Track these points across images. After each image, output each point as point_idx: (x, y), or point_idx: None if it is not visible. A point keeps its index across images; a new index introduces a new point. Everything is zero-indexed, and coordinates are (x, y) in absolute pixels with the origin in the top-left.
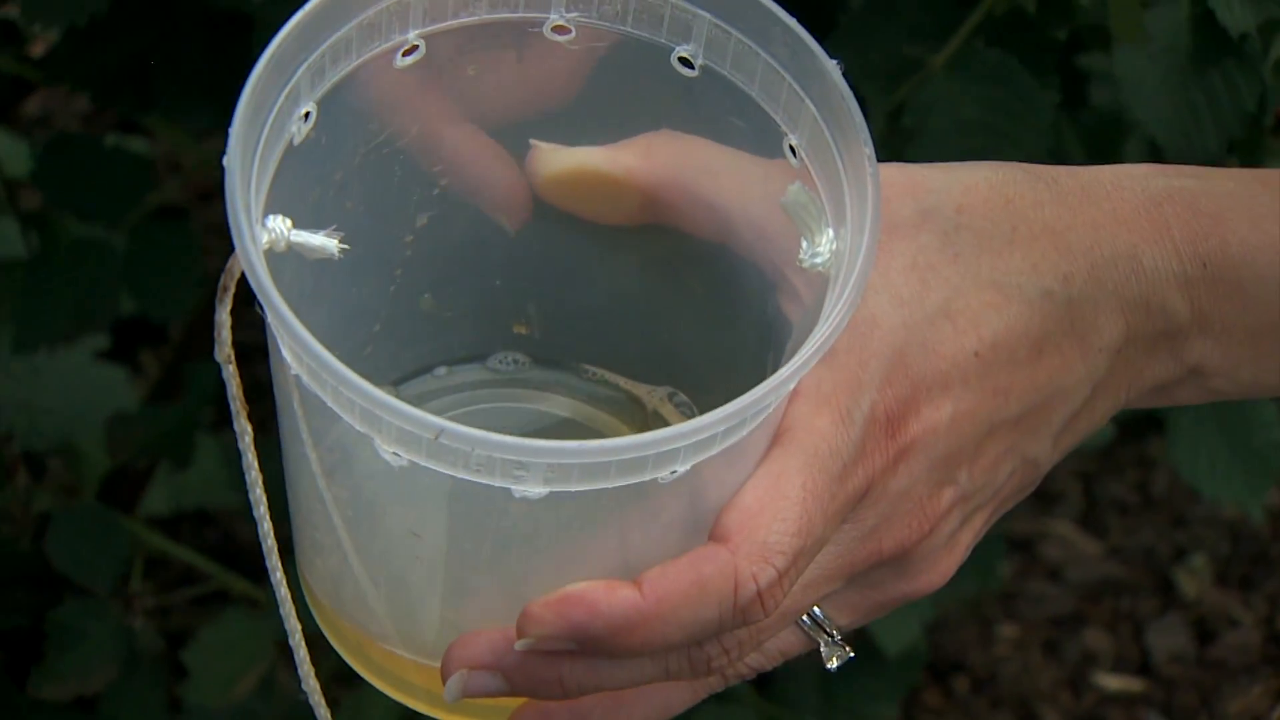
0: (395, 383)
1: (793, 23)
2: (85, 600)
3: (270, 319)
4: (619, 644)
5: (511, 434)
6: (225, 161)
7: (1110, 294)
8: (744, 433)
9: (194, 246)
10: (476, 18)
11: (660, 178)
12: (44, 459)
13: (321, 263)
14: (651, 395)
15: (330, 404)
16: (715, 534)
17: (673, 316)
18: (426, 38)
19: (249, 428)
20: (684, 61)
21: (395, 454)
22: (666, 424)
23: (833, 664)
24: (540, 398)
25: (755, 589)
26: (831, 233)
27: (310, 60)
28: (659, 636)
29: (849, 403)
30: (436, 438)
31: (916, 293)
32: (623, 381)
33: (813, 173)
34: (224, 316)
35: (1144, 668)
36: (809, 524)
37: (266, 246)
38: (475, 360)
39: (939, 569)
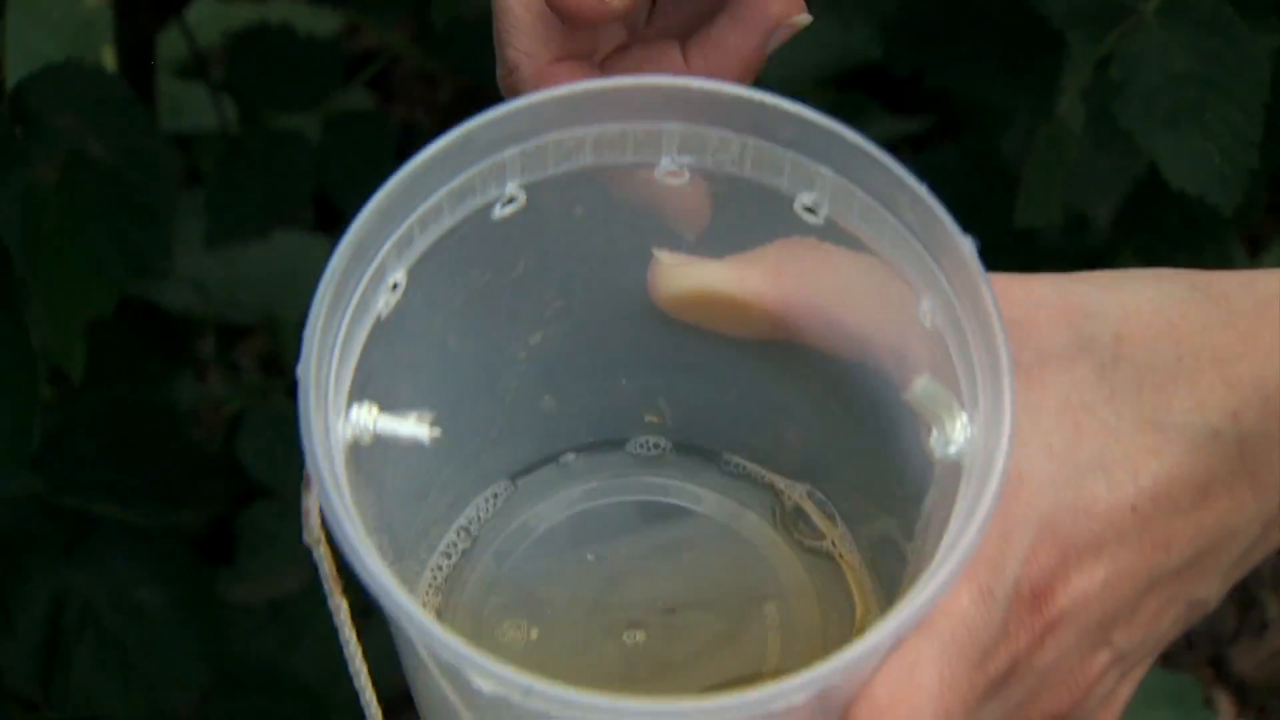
0: (519, 474)
1: (922, 190)
2: (276, 503)
3: (348, 556)
4: None
5: (646, 538)
6: (299, 369)
7: None
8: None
9: (387, 137)
10: (579, 164)
11: (791, 301)
12: (243, 334)
13: (431, 383)
14: (791, 490)
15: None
16: None
17: (810, 423)
18: (527, 188)
19: (344, 603)
20: (808, 210)
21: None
22: (808, 521)
23: None
24: (680, 490)
25: None
26: (965, 418)
27: (397, 235)
28: None
29: (991, 580)
30: (525, 696)
31: (1069, 441)
32: (764, 474)
33: (947, 341)
34: (311, 504)
35: None
36: (946, 717)
37: (350, 442)
38: (612, 446)
39: None
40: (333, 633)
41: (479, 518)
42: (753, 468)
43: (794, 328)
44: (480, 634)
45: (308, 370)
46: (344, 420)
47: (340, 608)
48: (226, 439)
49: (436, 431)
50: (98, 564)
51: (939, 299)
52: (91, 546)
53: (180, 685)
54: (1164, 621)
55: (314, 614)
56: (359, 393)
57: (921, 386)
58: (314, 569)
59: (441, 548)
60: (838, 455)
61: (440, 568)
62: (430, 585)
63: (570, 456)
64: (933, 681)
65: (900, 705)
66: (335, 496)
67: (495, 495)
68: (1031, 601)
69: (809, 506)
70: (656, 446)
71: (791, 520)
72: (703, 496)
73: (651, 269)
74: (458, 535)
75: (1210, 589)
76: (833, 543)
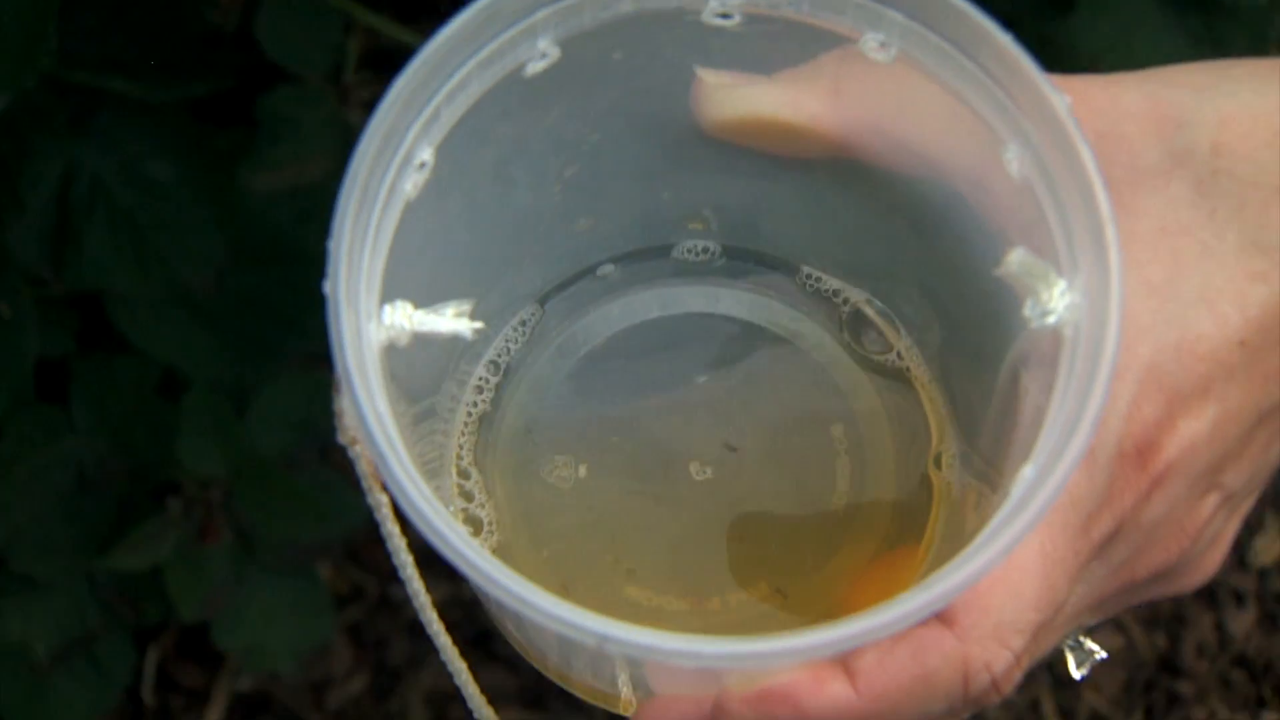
0: (559, 288)
1: (1008, 41)
2: (298, 87)
3: (385, 481)
4: None
5: (697, 356)
6: (327, 279)
7: None
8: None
9: None
10: (617, 12)
11: (853, 123)
12: None
13: (464, 245)
14: (850, 294)
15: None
16: (940, 612)
17: (870, 236)
18: (562, 43)
19: (385, 499)
20: (878, 49)
21: None
22: (871, 329)
23: (1082, 671)
24: (730, 299)
25: (989, 678)
26: (1064, 284)
27: (424, 116)
28: None
29: (1092, 441)
30: (601, 645)
31: (1168, 273)
32: (820, 275)
33: (1038, 194)
34: (343, 405)
35: None
36: (1050, 592)
37: (385, 343)
38: (656, 254)
39: (1202, 569)
40: None
41: (509, 348)
42: (809, 270)
43: (856, 150)
44: (523, 476)
45: (336, 276)
46: (377, 322)
47: (382, 503)
48: (244, 17)
49: (479, 324)
50: (106, 138)
51: (1026, 147)
52: (100, 120)
53: (194, 260)
54: (1273, 452)
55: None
56: (391, 285)
57: (1017, 260)
58: (339, 157)
59: (473, 382)
60: (902, 267)
61: (475, 404)
62: (465, 425)
63: (608, 268)
64: (1033, 556)
65: (999, 586)
66: (370, 414)
67: (524, 322)
68: (1136, 459)
69: (870, 313)
70: (705, 251)
71: (853, 330)
72: (755, 305)
73: (695, 90)
74: (487, 370)
75: None
76: (899, 354)
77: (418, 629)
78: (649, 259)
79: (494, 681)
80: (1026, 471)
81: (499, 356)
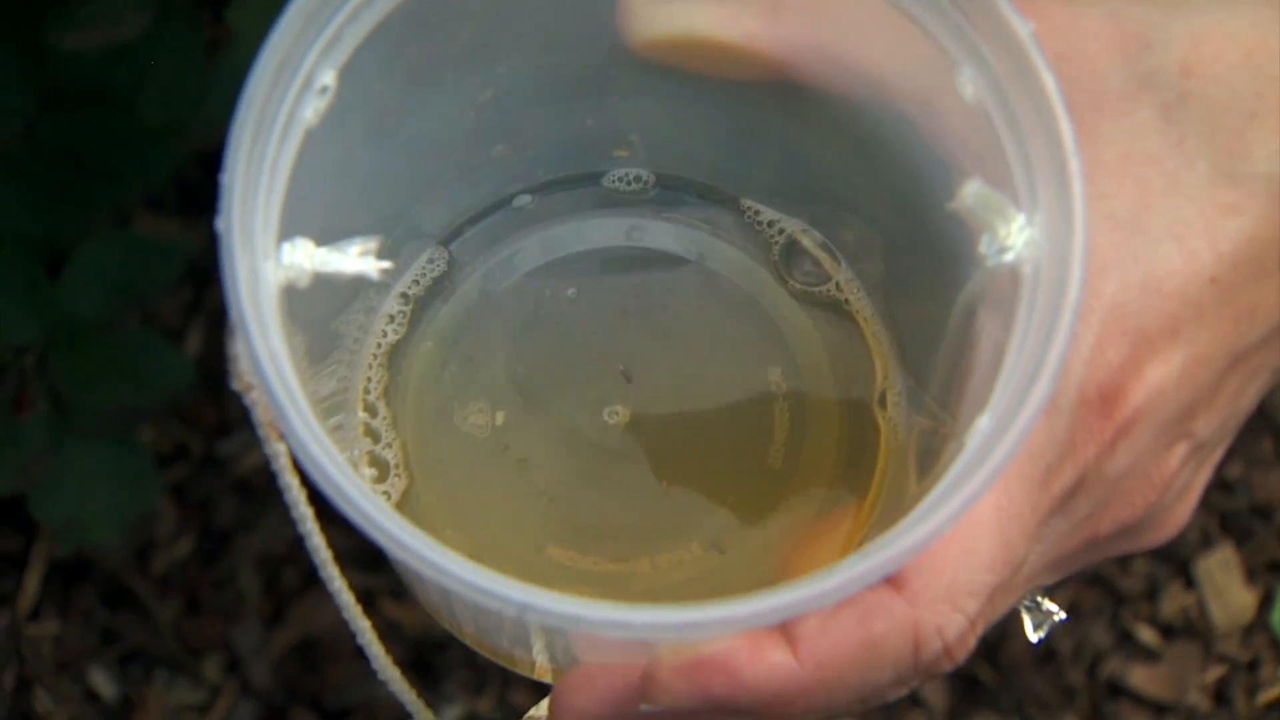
0: (473, 219)
1: None
2: None
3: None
4: (770, 713)
5: (621, 293)
6: (220, 218)
7: None
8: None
9: None
10: None
11: (793, 43)
12: None
13: (369, 175)
14: (785, 224)
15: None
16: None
17: (808, 161)
18: None
19: (283, 448)
20: None
21: None
22: (807, 259)
23: (1040, 634)
24: (656, 231)
25: (941, 645)
26: (1023, 219)
27: (322, 40)
28: (820, 702)
29: None
30: (521, 614)
31: (1134, 204)
32: (754, 206)
33: (994, 121)
34: (238, 349)
35: None
36: (1006, 551)
37: (283, 284)
38: (580, 182)
39: (1170, 523)
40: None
41: (420, 280)
42: (747, 202)
43: (796, 71)
44: (436, 421)
45: (230, 213)
46: (275, 261)
47: (279, 453)
48: None
49: (386, 263)
50: None
51: (982, 73)
52: None
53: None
54: (1247, 396)
55: (158, 59)
56: (291, 220)
57: (973, 193)
58: (157, 10)
59: (383, 311)
60: (844, 194)
61: (385, 335)
62: (374, 358)
63: (525, 199)
64: (988, 513)
65: (952, 546)
66: (266, 360)
67: (435, 257)
68: (1100, 406)
69: (807, 243)
70: (638, 179)
71: (788, 261)
72: (682, 237)
73: (621, 6)
74: (398, 301)
75: None
76: (837, 285)
77: (246, 489)
78: (573, 188)
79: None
80: (982, 423)
81: (409, 289)
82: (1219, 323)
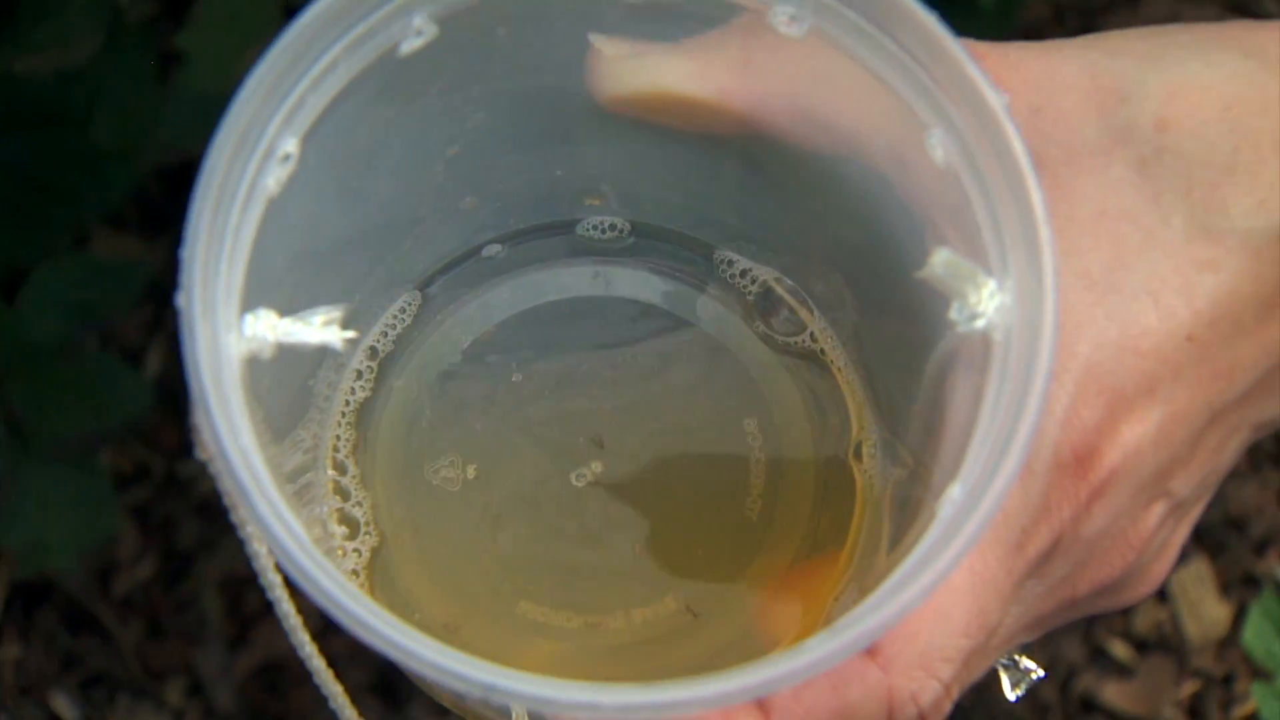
0: (442, 270)
1: (931, 19)
2: None
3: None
4: None
5: (593, 344)
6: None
7: None
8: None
9: None
10: None
11: (764, 99)
12: None
13: (335, 238)
14: (759, 272)
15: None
16: None
17: (782, 217)
18: (438, 19)
19: (277, 581)
20: (789, 23)
21: None
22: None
23: (1018, 692)
24: (629, 280)
25: (915, 711)
26: (994, 284)
27: (286, 107)
28: None
29: None
30: (487, 695)
31: (1109, 261)
32: (729, 255)
33: (965, 185)
34: (200, 420)
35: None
36: (981, 616)
37: (245, 357)
38: (559, 229)
39: (1148, 581)
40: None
41: (389, 333)
42: (717, 251)
43: (768, 126)
44: (406, 476)
45: (191, 286)
46: (237, 334)
47: (252, 538)
48: None
49: (350, 333)
50: None
51: (952, 136)
52: None
53: None
54: (1226, 453)
55: (109, 83)
56: (254, 290)
57: (942, 261)
58: (109, 36)
59: (352, 366)
60: (817, 246)
61: (354, 392)
62: (342, 415)
63: (495, 248)
64: (963, 578)
65: (925, 612)
66: (227, 436)
67: (404, 307)
68: (1075, 467)
69: (780, 291)
70: (612, 228)
71: (762, 310)
72: (654, 286)
73: (590, 62)
74: (366, 355)
75: (1277, 408)
76: (812, 335)
77: (209, 510)
78: (547, 236)
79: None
80: (954, 492)
81: (378, 342)
82: (1196, 381)
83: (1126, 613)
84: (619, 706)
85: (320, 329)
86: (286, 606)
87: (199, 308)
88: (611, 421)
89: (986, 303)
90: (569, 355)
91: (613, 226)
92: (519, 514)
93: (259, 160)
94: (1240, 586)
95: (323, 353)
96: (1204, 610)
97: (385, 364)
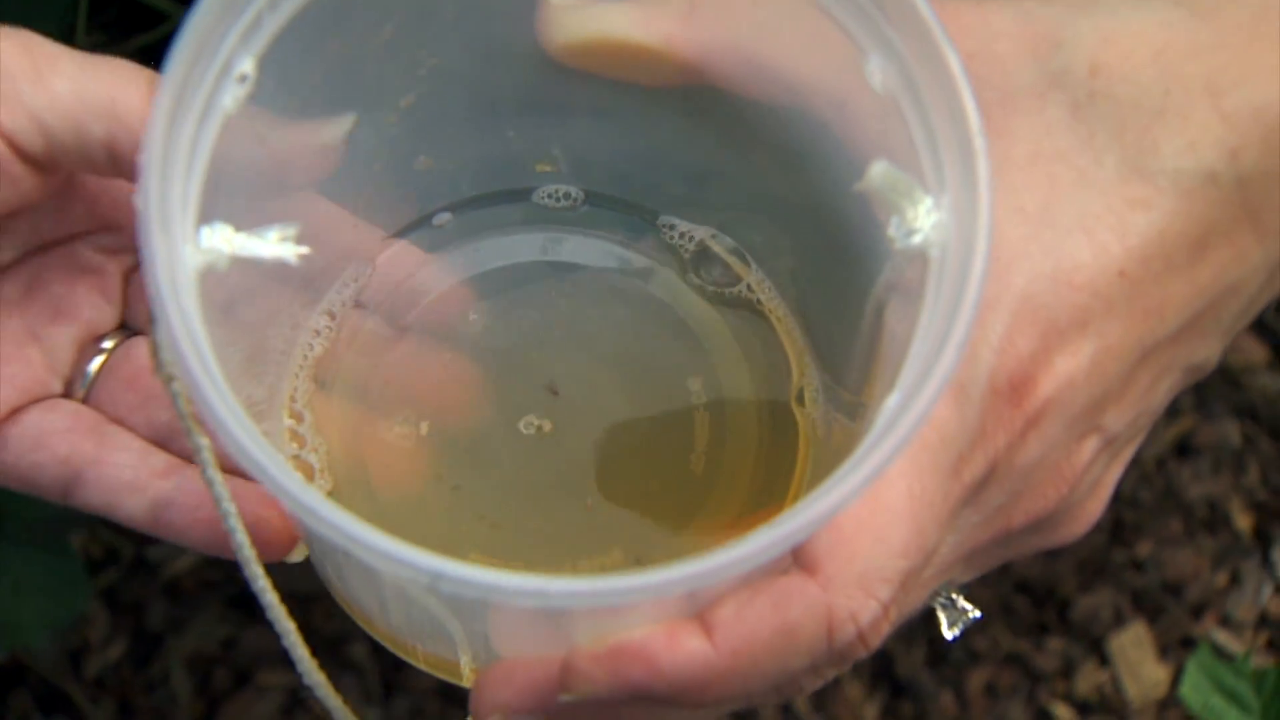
0: (400, 234)
1: None
2: None
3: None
4: (688, 700)
5: (543, 306)
6: (138, 195)
7: None
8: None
9: None
10: None
11: (709, 44)
12: None
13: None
14: (694, 232)
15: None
16: (802, 560)
17: (728, 170)
18: None
19: (206, 440)
20: None
21: None
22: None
23: (954, 632)
24: (575, 245)
25: (854, 630)
26: (930, 202)
27: (242, 23)
28: (737, 689)
29: (963, 374)
30: (434, 584)
31: (1043, 199)
32: (670, 220)
33: (902, 107)
34: (160, 338)
35: None
36: (919, 538)
37: (202, 267)
38: (515, 197)
39: (1081, 519)
40: None
41: (343, 296)
42: (665, 216)
43: (712, 73)
44: (361, 430)
45: (147, 193)
46: (194, 245)
47: (202, 446)
48: None
49: (303, 248)
50: None
51: (890, 58)
52: None
53: None
54: (1158, 393)
55: None
56: (210, 207)
57: (879, 173)
58: None
59: (309, 325)
60: (757, 199)
61: (311, 347)
62: (300, 369)
63: (445, 216)
64: (900, 497)
65: (864, 528)
66: (186, 342)
67: (355, 276)
68: (1010, 395)
69: (717, 248)
70: (567, 196)
71: (699, 266)
72: (602, 252)
73: (540, 12)
74: (324, 317)
75: (1210, 349)
76: (749, 286)
77: (176, 592)
78: (501, 204)
79: (261, 643)
80: (890, 401)
81: (333, 305)
82: (1128, 316)
83: (1068, 676)
84: (563, 593)
85: (275, 244)
86: (237, 522)
87: (156, 215)
88: (560, 378)
89: (923, 219)
90: (517, 317)
91: (567, 195)
92: (470, 468)
93: (215, 76)
94: (1178, 649)
95: (277, 307)
96: (1144, 672)
97: (341, 324)
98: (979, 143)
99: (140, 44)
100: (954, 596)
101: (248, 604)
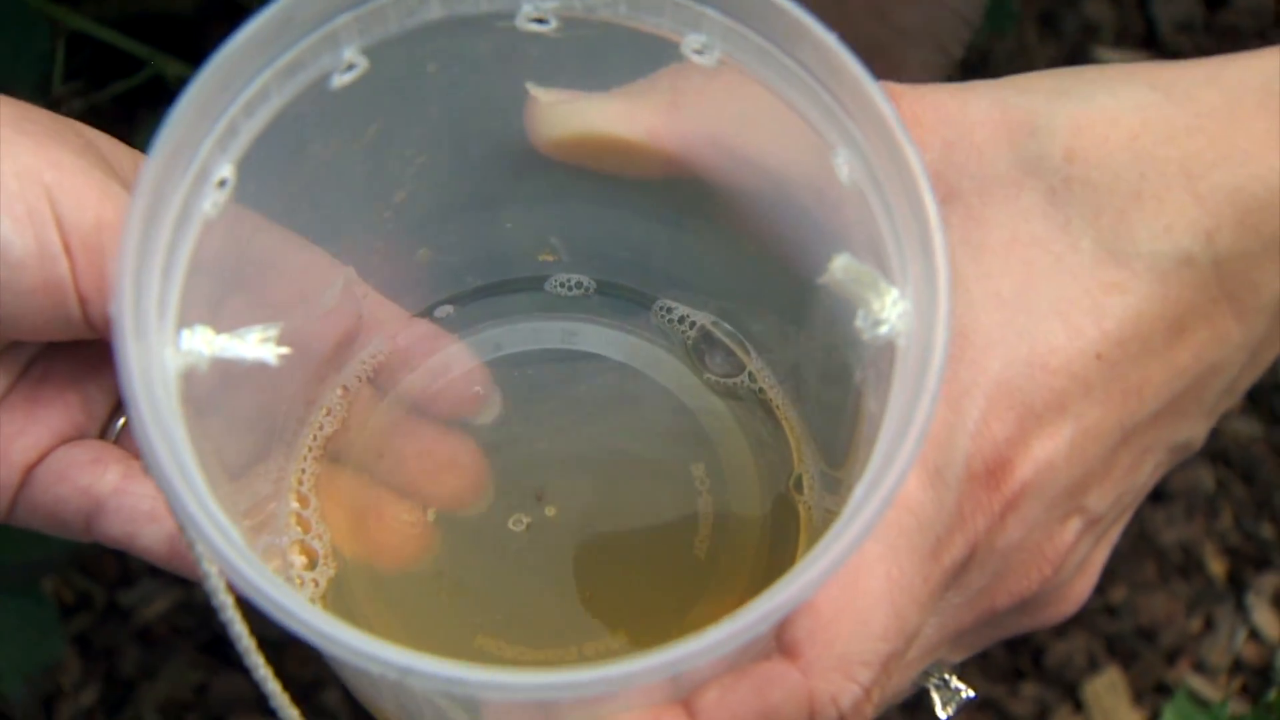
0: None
1: (826, 35)
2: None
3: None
4: None
5: (547, 395)
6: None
7: (1269, 240)
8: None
9: None
10: (424, 19)
11: (691, 137)
12: None
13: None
14: (696, 317)
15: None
16: (783, 645)
17: (718, 258)
18: (368, 51)
19: (214, 569)
20: (699, 53)
21: None
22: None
23: (948, 712)
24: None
25: (835, 713)
26: (896, 293)
27: (218, 130)
28: None
29: (939, 458)
30: (403, 678)
31: (1019, 285)
32: (673, 306)
33: (869, 201)
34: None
35: (1149, 39)
36: (898, 621)
37: (183, 371)
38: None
39: (1069, 599)
40: None
41: (359, 374)
42: (662, 301)
43: (696, 165)
44: (370, 517)
45: (121, 299)
46: (174, 348)
47: (210, 574)
48: None
49: (284, 349)
50: None
51: (855, 152)
52: None
53: None
54: (1142, 473)
55: None
56: (190, 311)
57: (841, 266)
58: None
59: (323, 403)
60: (750, 286)
61: (321, 428)
62: (309, 450)
63: (448, 309)
64: (879, 581)
65: (844, 613)
66: (162, 448)
67: (364, 362)
68: (986, 479)
69: (718, 335)
70: (579, 285)
71: (701, 353)
72: (608, 340)
73: (528, 109)
74: (339, 394)
75: (1194, 428)
76: (750, 375)
77: (148, 637)
78: (514, 293)
79: (233, 689)
80: (857, 490)
81: (350, 383)
82: (1107, 398)
83: None
84: (534, 686)
85: (256, 345)
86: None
87: (129, 319)
88: (561, 467)
89: (889, 310)
90: (524, 405)
91: (579, 284)
92: (476, 554)
93: (192, 181)
94: (1153, 694)
95: (290, 386)
96: (1118, 718)
97: (354, 401)
98: (938, 238)
99: (116, 91)
100: (946, 677)
101: (220, 649)
